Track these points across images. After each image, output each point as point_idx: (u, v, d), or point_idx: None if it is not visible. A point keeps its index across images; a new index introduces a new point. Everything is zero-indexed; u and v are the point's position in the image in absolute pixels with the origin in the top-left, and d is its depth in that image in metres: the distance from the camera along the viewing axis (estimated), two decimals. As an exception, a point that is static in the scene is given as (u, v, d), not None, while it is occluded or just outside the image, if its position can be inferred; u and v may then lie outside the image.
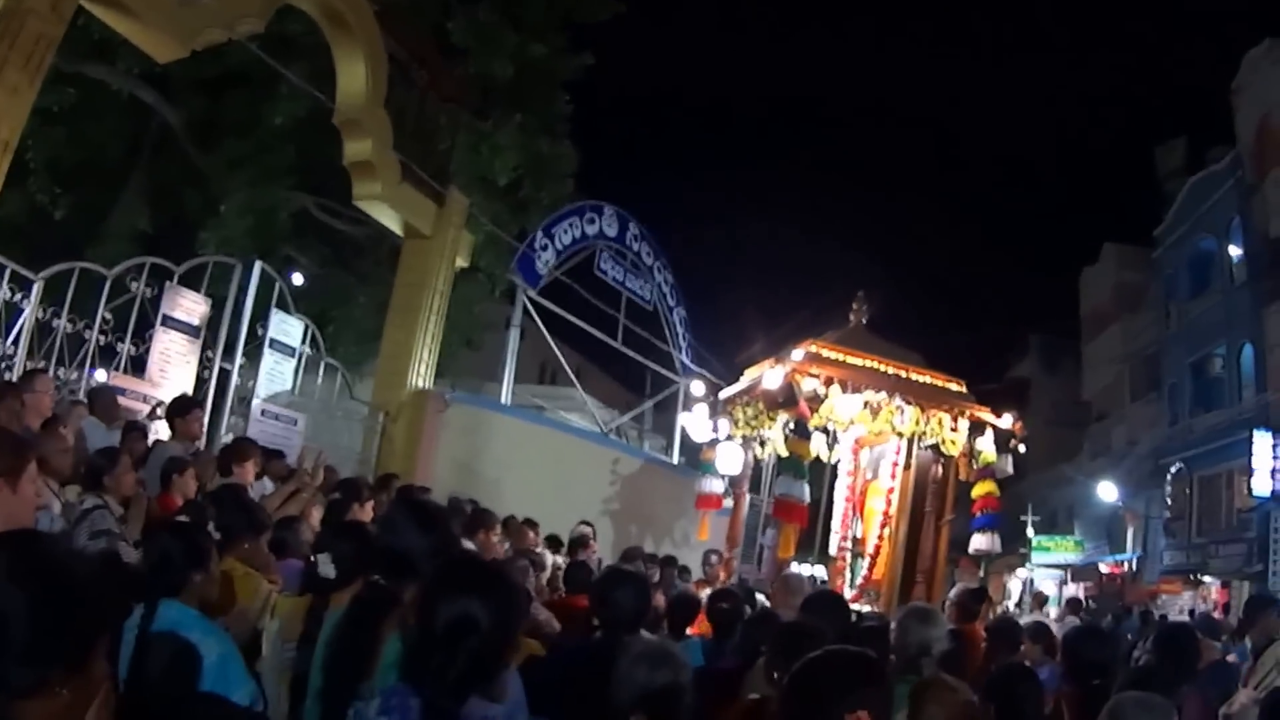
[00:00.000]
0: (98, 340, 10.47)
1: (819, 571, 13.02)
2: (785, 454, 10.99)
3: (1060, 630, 12.07)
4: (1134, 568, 36.04)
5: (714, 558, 11.93)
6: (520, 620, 2.91)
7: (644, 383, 21.04)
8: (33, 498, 3.46)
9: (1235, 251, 32.41)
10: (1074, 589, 37.22)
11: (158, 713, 3.43)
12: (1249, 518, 28.96)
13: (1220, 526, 31.05)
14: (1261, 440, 27.68)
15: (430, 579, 2.85)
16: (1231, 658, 8.59)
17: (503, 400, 16.03)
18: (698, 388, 15.06)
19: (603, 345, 18.50)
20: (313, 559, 4.24)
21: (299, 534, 6.42)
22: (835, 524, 12.68)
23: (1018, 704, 4.35)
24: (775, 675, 4.43)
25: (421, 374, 14.49)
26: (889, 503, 12.25)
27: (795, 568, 12.14)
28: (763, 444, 12.34)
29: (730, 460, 12.85)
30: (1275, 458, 27.52)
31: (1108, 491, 35.95)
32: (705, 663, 6.35)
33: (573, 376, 19.38)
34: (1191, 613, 26.42)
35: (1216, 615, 24.53)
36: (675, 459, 18.79)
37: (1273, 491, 27.40)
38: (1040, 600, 14.95)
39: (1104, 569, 38.08)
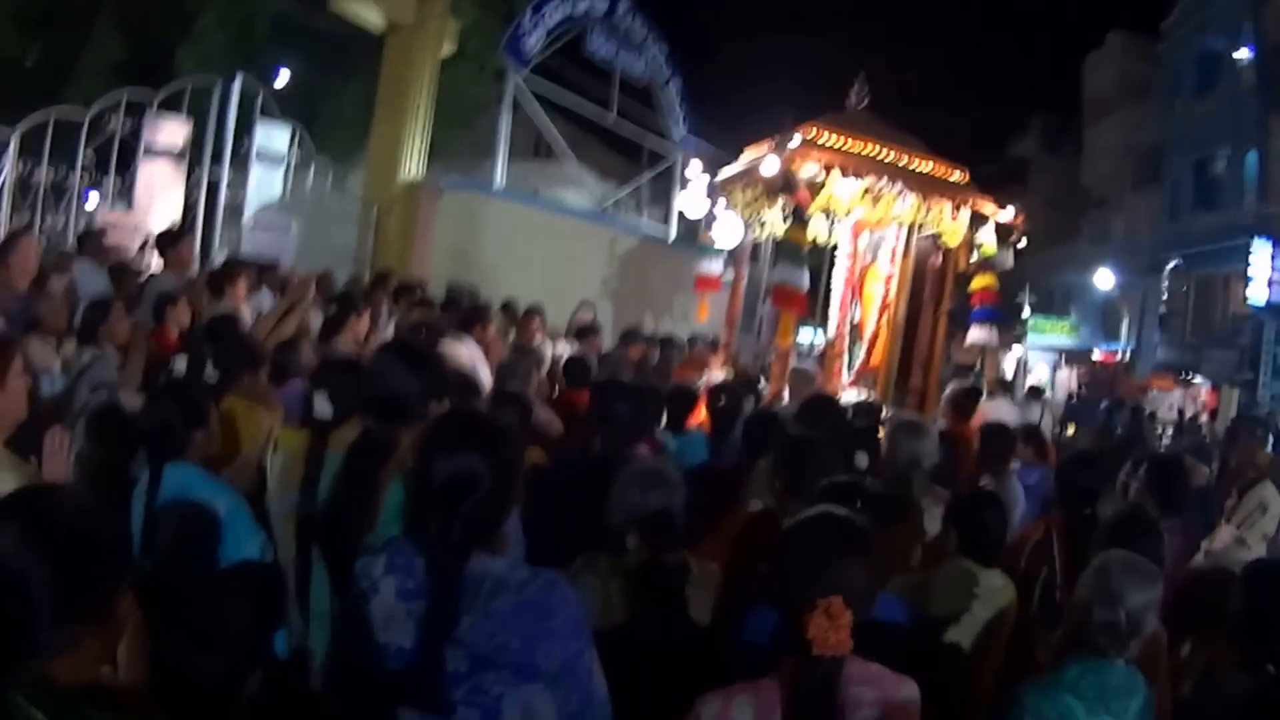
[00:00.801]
0: (81, 181, 10.34)
1: (820, 338, 13.04)
2: (783, 236, 10.94)
3: (1021, 410, 12.28)
4: (1127, 358, 36.19)
5: (700, 343, 11.92)
6: (519, 475, 2.82)
7: (641, 153, 20.79)
8: (22, 391, 3.51)
9: (1242, 55, 31.43)
10: (1067, 373, 37.44)
11: (177, 582, 3.62)
12: (1243, 325, 29.10)
13: (1214, 329, 31.31)
14: (1261, 249, 27.66)
15: (426, 437, 2.77)
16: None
17: (496, 182, 15.89)
18: (694, 168, 14.95)
19: (598, 120, 18.26)
20: (308, 394, 4.20)
21: (298, 355, 6.47)
22: (833, 308, 12.58)
23: (979, 533, 4.35)
24: (778, 485, 4.57)
25: (413, 165, 14.34)
26: (888, 289, 12.16)
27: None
28: (762, 225, 12.22)
29: (729, 233, 12.75)
30: (1274, 269, 27.41)
31: (1104, 279, 35.98)
32: (709, 459, 6.52)
33: (568, 152, 19.14)
34: (1180, 412, 26.74)
35: (1203, 419, 24.81)
36: (674, 232, 18.76)
37: (1268, 302, 27.42)
38: (1036, 393, 14.83)
39: (1097, 356, 38.22)
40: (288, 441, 4.27)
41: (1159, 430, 22.32)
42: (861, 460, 5.22)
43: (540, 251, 14.40)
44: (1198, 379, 30.91)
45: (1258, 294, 27.81)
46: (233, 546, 3.71)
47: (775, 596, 2.65)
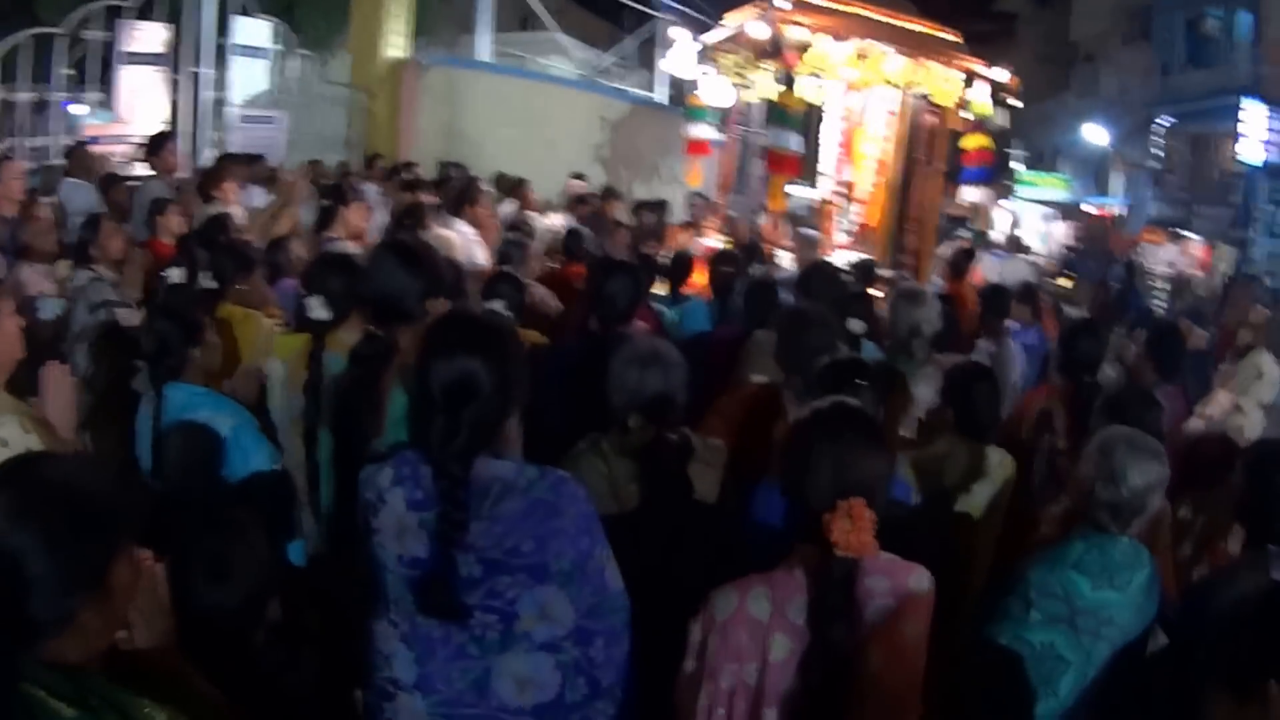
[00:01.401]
0: (64, 99, 10.18)
1: (813, 199, 12.93)
2: (774, 99, 10.76)
3: (1000, 265, 12.21)
4: (1120, 213, 35.70)
5: (698, 200, 11.82)
6: (521, 373, 2.77)
7: (622, 17, 20.37)
8: (15, 331, 3.50)
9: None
10: (1063, 228, 37.06)
11: (188, 504, 3.54)
12: (1236, 182, 28.67)
13: (1207, 186, 30.75)
14: (1253, 109, 26.91)
15: (423, 342, 2.72)
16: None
17: (480, 57, 15.61)
18: (679, 33, 14.67)
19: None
20: (303, 299, 4.23)
21: (289, 253, 6.43)
22: (825, 168, 12.48)
23: (973, 409, 4.35)
24: (780, 358, 4.57)
25: (395, 44, 14.09)
26: (881, 149, 12.03)
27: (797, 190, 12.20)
28: (750, 88, 11.98)
29: (718, 94, 12.53)
30: (1269, 130, 26.88)
31: (1096, 135, 35.20)
32: (711, 325, 6.51)
33: (549, 17, 18.71)
34: (1173, 267, 26.46)
35: (1197, 272, 24.59)
36: (662, 94, 18.40)
37: (1263, 163, 26.90)
38: (1016, 244, 14.61)
39: (1090, 210, 37.78)
40: (286, 347, 4.30)
41: (1154, 285, 22.23)
42: (856, 326, 5.24)
43: (528, 122, 14.20)
44: (1191, 235, 30.66)
45: (1250, 153, 27.33)
46: (240, 462, 3.73)
47: (790, 489, 2.64)
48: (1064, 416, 4.93)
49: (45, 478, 1.89)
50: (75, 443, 3.61)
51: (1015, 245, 15.49)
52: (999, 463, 4.28)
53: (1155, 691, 3.39)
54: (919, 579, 2.65)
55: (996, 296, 7.43)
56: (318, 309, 3.98)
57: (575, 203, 11.17)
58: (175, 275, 5.43)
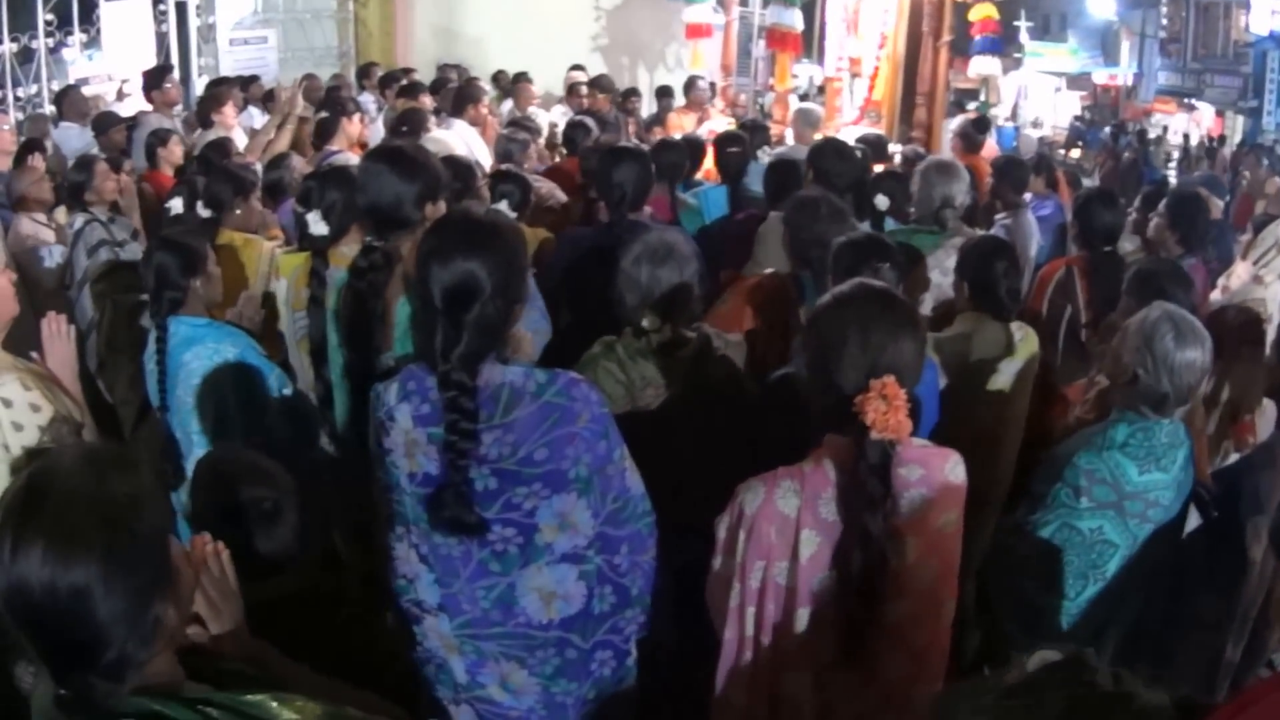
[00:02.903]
0: (46, 45, 10.01)
1: (819, 74, 12.61)
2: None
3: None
4: (1130, 83, 34.88)
5: (701, 83, 11.55)
6: (523, 271, 2.67)
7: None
8: (8, 289, 3.44)
9: None
10: (1071, 97, 36.22)
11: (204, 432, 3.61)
12: (1246, 52, 27.76)
13: (1217, 55, 29.79)
14: None
15: (419, 248, 2.60)
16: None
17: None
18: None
19: None
20: (301, 213, 4.10)
21: (292, 171, 6.31)
22: (830, 43, 12.14)
23: (993, 282, 4.14)
24: (790, 248, 4.45)
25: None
26: (884, 23, 11.67)
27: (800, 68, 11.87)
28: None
29: (717, -28, 12.24)
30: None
31: (1102, 3, 34.07)
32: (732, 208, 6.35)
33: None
34: (1186, 137, 25.86)
35: (1208, 141, 23.99)
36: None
37: (1271, 32, 25.89)
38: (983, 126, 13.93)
39: (1099, 80, 36.89)
40: (288, 266, 4.26)
41: (1165, 155, 21.79)
42: (882, 202, 5.17)
43: (525, 18, 13.87)
44: (1200, 104, 29.91)
45: (1259, 23, 26.29)
46: (253, 389, 3.70)
47: (816, 376, 2.53)
48: (1083, 288, 4.80)
49: (67, 495, 1.62)
50: (77, 397, 3.51)
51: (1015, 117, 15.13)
52: (1023, 338, 4.13)
53: (1192, 570, 3.37)
54: (954, 466, 2.56)
55: (1011, 168, 7.16)
56: (316, 224, 3.87)
57: (569, 94, 10.95)
58: (176, 206, 5.34)
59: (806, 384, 2.60)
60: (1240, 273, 5.41)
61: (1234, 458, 3.89)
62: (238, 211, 5.21)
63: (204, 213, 5.04)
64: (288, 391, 3.82)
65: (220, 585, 2.16)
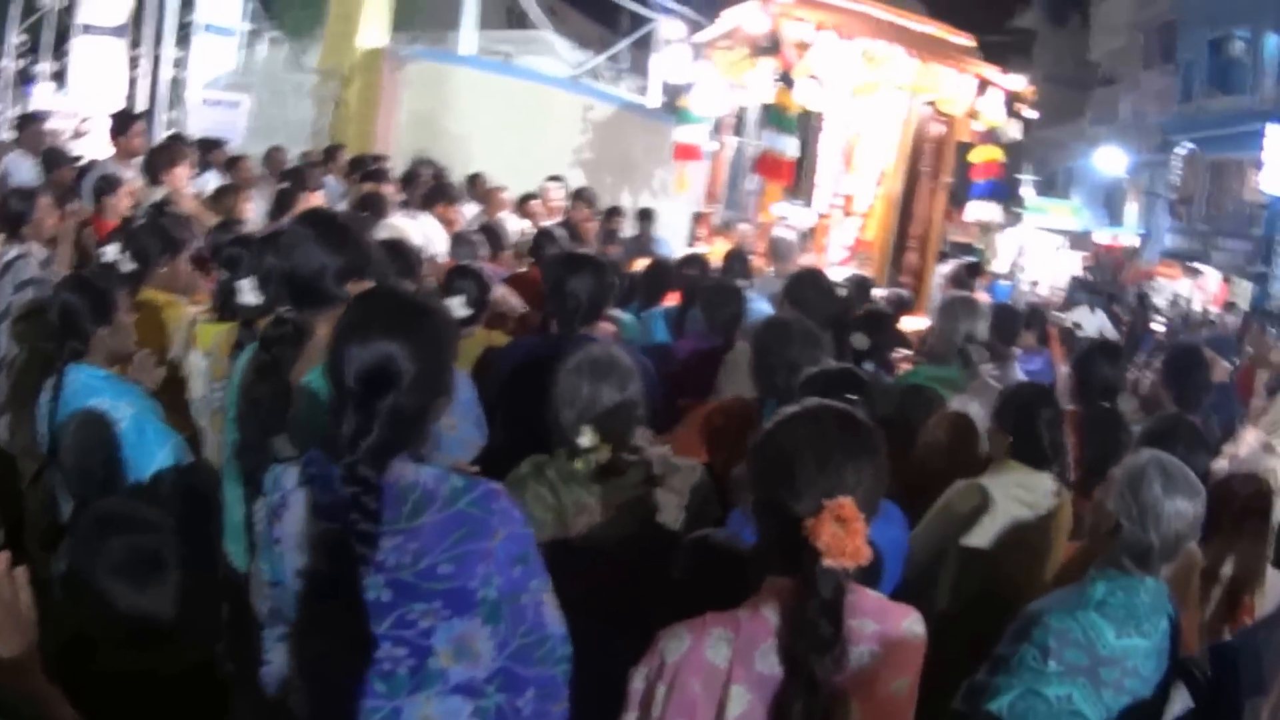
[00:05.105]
0: (16, 67, 9.86)
1: (807, 218, 12.45)
2: (769, 102, 10.25)
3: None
4: (1135, 244, 35.26)
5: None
6: (448, 362, 2.44)
7: (618, 20, 20.16)
8: None
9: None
10: (1071, 258, 36.70)
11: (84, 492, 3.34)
12: (1258, 213, 27.96)
13: (1226, 217, 30.05)
14: (1277, 136, 25.98)
15: (338, 322, 2.39)
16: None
17: (464, 51, 15.26)
18: (675, 29, 14.20)
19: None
20: (232, 284, 3.91)
21: (239, 236, 6.06)
22: (823, 178, 11.78)
23: (1036, 432, 3.95)
24: (756, 373, 4.23)
25: (374, 32, 13.77)
26: (882, 159, 11.36)
27: (789, 209, 11.65)
28: (745, 90, 11.47)
29: (710, 101, 12.00)
30: None
31: (1111, 159, 34.68)
32: (671, 335, 6.11)
33: (540, 14, 18.28)
34: (1188, 302, 26.11)
35: (1213, 308, 24.24)
36: (654, 101, 18.08)
37: None
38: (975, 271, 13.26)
39: (1101, 241, 37.45)
40: (207, 335, 4.14)
41: (1164, 321, 21.91)
42: (860, 341, 4.96)
43: (511, 122, 13.84)
44: (1206, 269, 30.11)
45: (1273, 183, 26.33)
46: (141, 455, 3.48)
47: (762, 500, 2.25)
48: (1073, 445, 4.58)
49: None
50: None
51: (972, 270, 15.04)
52: (1051, 492, 3.93)
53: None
54: (912, 624, 2.28)
55: (1003, 319, 6.95)
56: (247, 292, 3.71)
57: (524, 201, 10.72)
58: (111, 253, 5.07)
59: (750, 510, 2.31)
60: (1249, 440, 5.21)
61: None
62: (163, 270, 5.04)
63: (128, 265, 4.77)
64: (186, 462, 3.61)
65: (8, 606, 1.95)
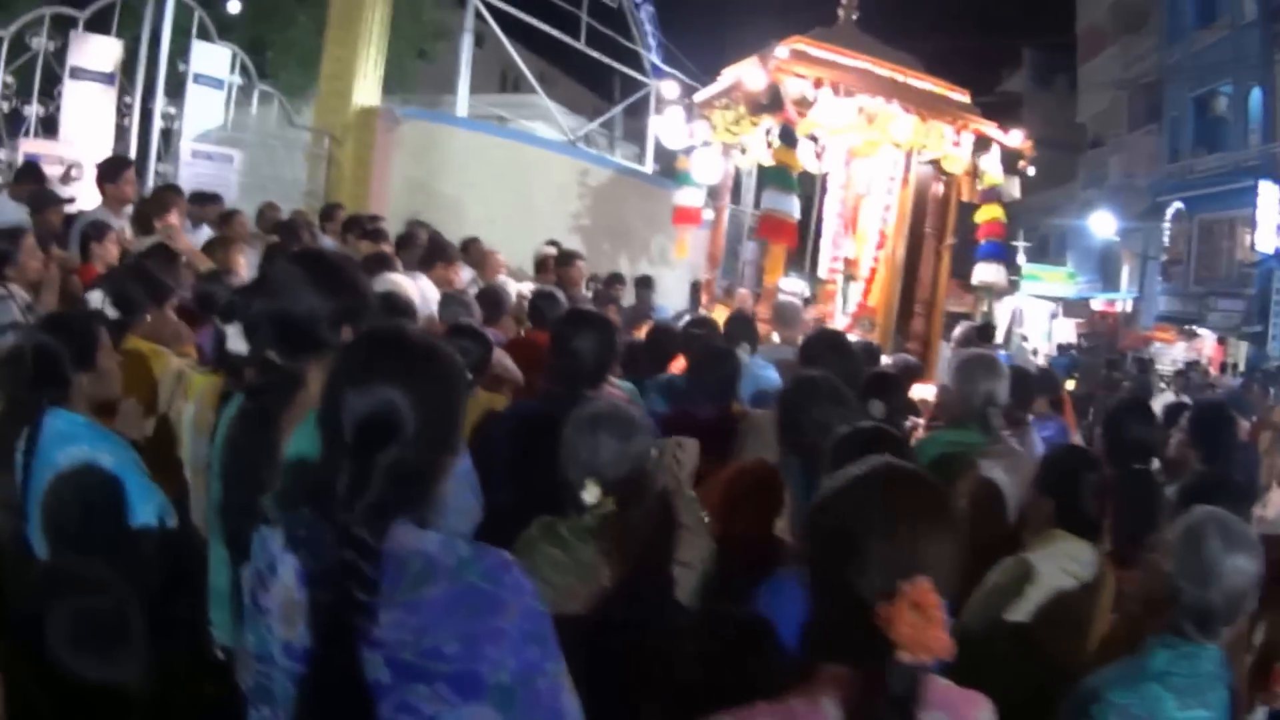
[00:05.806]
0: (4, 109, 9.75)
1: (806, 287, 12.35)
2: (769, 163, 10.09)
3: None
4: (1129, 309, 35.47)
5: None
6: (461, 412, 2.20)
7: (612, 87, 20.30)
8: None
9: (1242, -15, 30.25)
10: (1066, 324, 36.83)
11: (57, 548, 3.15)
12: (1250, 272, 28.17)
13: (1219, 277, 30.25)
14: (1267, 192, 26.50)
15: (332, 367, 2.15)
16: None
17: (459, 113, 15.26)
18: (670, 90, 14.14)
19: (567, 49, 17.74)
20: (221, 330, 3.74)
21: (228, 287, 5.89)
22: (825, 243, 11.77)
23: (1080, 499, 3.76)
24: (782, 433, 4.01)
25: (368, 91, 13.77)
26: (884, 221, 11.14)
27: (785, 282, 11.50)
28: (744, 151, 11.37)
29: (708, 168, 11.86)
30: None
31: (1104, 223, 34.82)
32: (670, 403, 5.88)
33: (534, 82, 18.41)
34: (1188, 365, 26.05)
35: (1212, 371, 24.21)
36: (649, 168, 18.11)
37: (1277, 249, 26.42)
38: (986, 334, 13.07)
39: (1097, 306, 37.55)
40: (199, 387, 3.96)
41: (1163, 386, 21.80)
42: (876, 408, 4.78)
43: (507, 185, 13.87)
44: (1201, 331, 30.14)
45: (1265, 241, 26.67)
46: (123, 508, 3.28)
47: (822, 579, 2.01)
48: (1112, 507, 4.40)
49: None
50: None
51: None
52: (1094, 561, 3.73)
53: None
54: (983, 713, 2.04)
55: (1020, 382, 6.76)
56: (235, 339, 3.53)
57: (539, 272, 10.65)
58: (95, 300, 4.92)
59: (807, 589, 2.06)
60: (1277, 500, 5.01)
61: (1259, 714, 3.44)
62: (149, 318, 4.93)
63: (111, 313, 4.59)
64: (171, 524, 3.38)
65: None
